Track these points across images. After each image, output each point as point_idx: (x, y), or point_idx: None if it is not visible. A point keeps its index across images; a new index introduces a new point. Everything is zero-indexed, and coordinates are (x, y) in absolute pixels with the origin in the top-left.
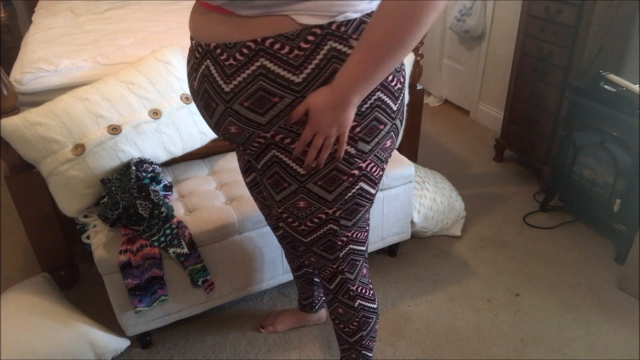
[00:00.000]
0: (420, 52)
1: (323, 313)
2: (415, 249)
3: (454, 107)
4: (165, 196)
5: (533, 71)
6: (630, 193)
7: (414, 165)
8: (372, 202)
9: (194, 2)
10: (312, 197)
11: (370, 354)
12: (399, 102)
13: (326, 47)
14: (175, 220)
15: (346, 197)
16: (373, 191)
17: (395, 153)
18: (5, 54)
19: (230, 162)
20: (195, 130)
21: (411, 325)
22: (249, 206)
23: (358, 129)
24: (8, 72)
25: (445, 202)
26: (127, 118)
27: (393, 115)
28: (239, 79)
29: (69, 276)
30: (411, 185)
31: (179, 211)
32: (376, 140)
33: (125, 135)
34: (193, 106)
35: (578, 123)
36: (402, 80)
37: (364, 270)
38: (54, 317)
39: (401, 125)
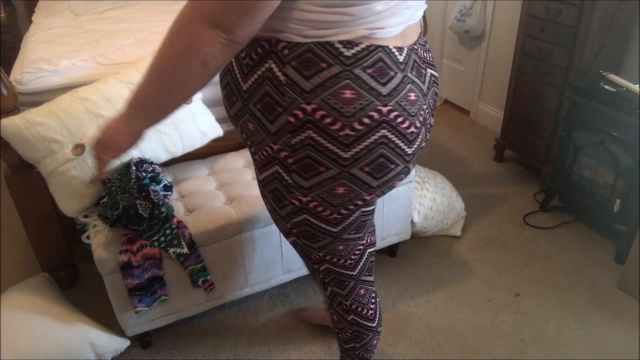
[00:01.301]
0: None
1: None
2: (415, 249)
3: (454, 107)
4: (165, 196)
5: (533, 71)
6: (630, 193)
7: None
8: (338, 239)
9: None
10: (267, 206)
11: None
12: (352, 151)
13: (265, 66)
14: (175, 220)
15: (294, 220)
16: (329, 228)
17: None
18: (5, 54)
19: (230, 162)
20: (195, 130)
21: (411, 325)
22: (249, 206)
23: (290, 160)
24: (8, 72)
25: (445, 202)
26: None
27: (343, 163)
28: (252, 79)
29: (69, 276)
30: (411, 185)
31: (179, 211)
32: (316, 180)
33: None
34: (193, 106)
35: (578, 123)
36: (353, 128)
37: (361, 291)
38: (54, 317)
39: (377, 181)
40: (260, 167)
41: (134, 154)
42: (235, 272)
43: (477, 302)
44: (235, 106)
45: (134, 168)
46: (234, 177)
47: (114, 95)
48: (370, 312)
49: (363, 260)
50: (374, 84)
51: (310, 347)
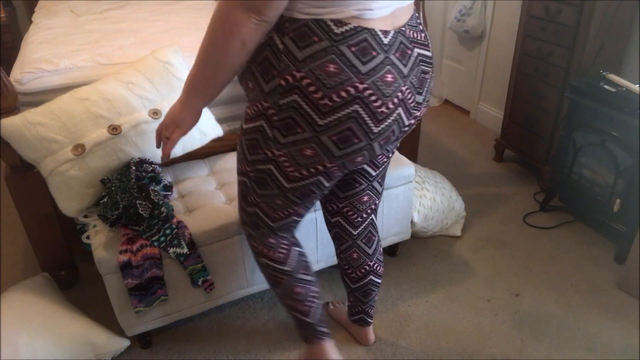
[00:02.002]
0: None
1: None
2: (415, 249)
3: (454, 107)
4: (165, 196)
5: (533, 71)
6: (630, 193)
7: (414, 165)
8: (283, 194)
9: (194, 2)
10: (238, 149)
11: (304, 318)
12: (327, 120)
13: (269, 36)
14: (175, 220)
15: (257, 167)
16: (283, 182)
17: (395, 153)
18: (5, 54)
19: (230, 162)
20: (195, 130)
21: (411, 325)
22: None
23: (275, 118)
24: (8, 72)
25: (445, 202)
26: (127, 118)
27: (316, 128)
28: (257, 46)
29: (69, 276)
30: (411, 185)
31: (179, 211)
32: (292, 138)
33: (125, 135)
34: None
35: (578, 123)
36: (331, 99)
37: (272, 240)
38: (54, 317)
39: (340, 151)
40: (248, 118)
41: (134, 154)
42: (235, 272)
43: (477, 302)
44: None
45: (133, 168)
46: (234, 177)
47: (114, 95)
48: (280, 255)
49: (286, 221)
50: (355, 61)
51: None
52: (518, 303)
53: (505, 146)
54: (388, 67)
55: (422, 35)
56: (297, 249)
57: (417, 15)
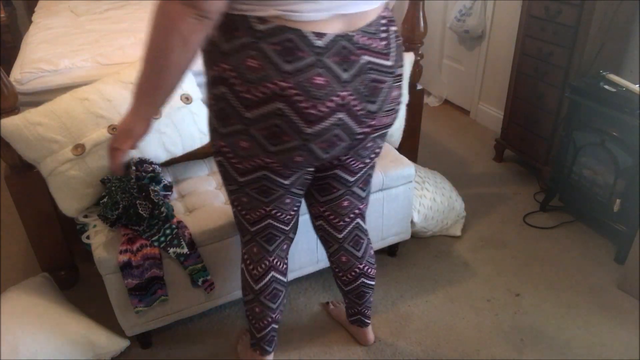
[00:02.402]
0: (420, 52)
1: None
2: (415, 249)
3: (454, 107)
4: (165, 196)
5: (533, 71)
6: (630, 193)
7: (414, 165)
8: (242, 190)
9: None
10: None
11: (254, 331)
12: (253, 113)
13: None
14: (175, 220)
15: (216, 159)
16: (238, 177)
17: (395, 153)
18: (5, 54)
19: None
20: (195, 130)
21: (411, 325)
22: None
23: (213, 109)
24: (8, 72)
25: (445, 202)
26: None
27: (245, 121)
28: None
29: (69, 276)
30: (411, 185)
31: (179, 211)
32: (229, 129)
33: None
34: (193, 106)
35: (578, 123)
36: (253, 94)
37: (255, 251)
38: (54, 317)
39: (274, 147)
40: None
41: (134, 154)
42: (235, 272)
43: (477, 302)
44: None
45: (134, 168)
46: None
47: (114, 95)
48: (255, 272)
49: (263, 225)
50: (277, 59)
51: (310, 347)
52: (518, 303)
53: (505, 146)
54: (319, 69)
55: (383, 43)
56: (276, 274)
57: (385, 22)
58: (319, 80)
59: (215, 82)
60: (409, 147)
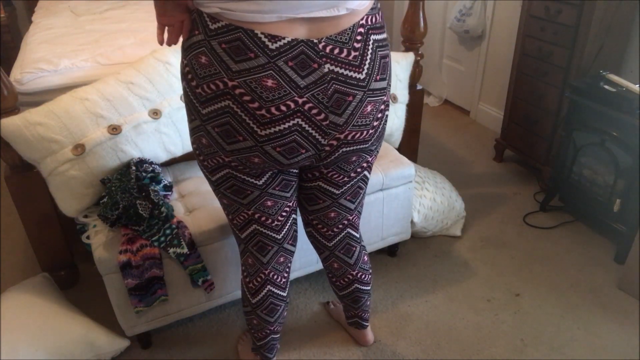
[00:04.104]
0: (420, 52)
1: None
2: (415, 249)
3: (454, 107)
4: (165, 196)
5: (533, 71)
6: (630, 193)
7: (414, 165)
8: (217, 190)
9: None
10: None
11: (254, 340)
12: (206, 109)
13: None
14: (175, 220)
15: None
16: (207, 174)
17: (395, 153)
18: (5, 54)
19: None
20: None
21: (411, 325)
22: None
23: (185, 102)
24: (8, 72)
25: (445, 202)
26: (127, 118)
27: (201, 117)
28: None
29: (69, 276)
30: (411, 185)
31: (179, 211)
32: (190, 125)
33: (125, 135)
34: None
35: (578, 123)
36: (204, 89)
37: (250, 263)
38: (54, 317)
39: (229, 146)
40: None
41: (134, 154)
42: (235, 272)
43: (477, 302)
44: None
45: (134, 168)
46: None
47: (114, 95)
48: (251, 285)
49: (250, 231)
50: (225, 58)
51: (310, 347)
52: (518, 303)
53: (505, 146)
54: (270, 72)
55: (353, 54)
56: (272, 288)
57: (364, 31)
58: (269, 82)
59: (181, 77)
60: (409, 147)
